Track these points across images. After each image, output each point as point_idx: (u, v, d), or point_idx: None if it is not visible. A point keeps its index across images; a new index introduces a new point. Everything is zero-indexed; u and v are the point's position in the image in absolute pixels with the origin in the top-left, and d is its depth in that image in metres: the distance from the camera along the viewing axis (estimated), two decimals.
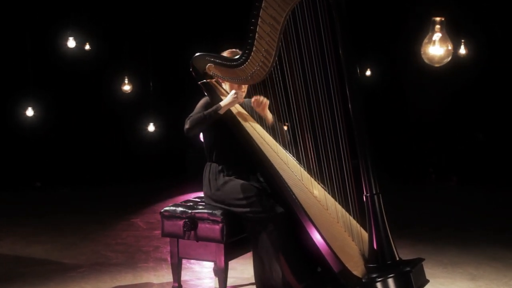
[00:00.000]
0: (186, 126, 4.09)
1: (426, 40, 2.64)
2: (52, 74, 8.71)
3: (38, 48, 8.24)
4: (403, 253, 5.40)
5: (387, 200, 7.72)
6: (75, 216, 7.27)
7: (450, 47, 2.67)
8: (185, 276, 4.97)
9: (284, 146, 4.25)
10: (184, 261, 4.88)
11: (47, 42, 7.99)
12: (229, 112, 4.15)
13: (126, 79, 7.81)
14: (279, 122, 4.28)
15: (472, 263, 5.18)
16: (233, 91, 4.13)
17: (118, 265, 5.27)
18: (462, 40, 7.55)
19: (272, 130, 4.28)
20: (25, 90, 7.56)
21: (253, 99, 4.23)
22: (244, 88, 4.27)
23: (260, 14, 3.84)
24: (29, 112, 7.31)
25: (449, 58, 2.69)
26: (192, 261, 5.16)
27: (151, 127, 8.07)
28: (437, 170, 9.50)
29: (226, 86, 4.34)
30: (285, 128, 4.32)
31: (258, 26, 3.86)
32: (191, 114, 4.14)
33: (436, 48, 2.68)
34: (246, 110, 4.34)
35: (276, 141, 4.23)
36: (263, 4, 3.81)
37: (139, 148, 8.97)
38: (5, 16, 8.46)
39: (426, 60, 2.68)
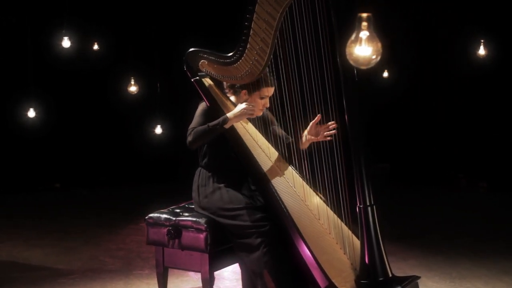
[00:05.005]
0: (189, 138, 3.85)
1: (351, 39, 2.36)
2: (54, 74, 8.63)
3: (39, 48, 8.15)
4: (411, 265, 5.22)
5: (406, 207, 7.51)
6: (84, 219, 7.15)
7: (379, 47, 2.37)
8: (181, 284, 4.81)
9: (291, 162, 4.01)
10: None
11: (49, 42, 7.88)
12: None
13: (133, 80, 7.65)
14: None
15: (482, 277, 4.88)
16: (243, 105, 3.83)
17: (112, 272, 5.13)
18: (482, 40, 7.25)
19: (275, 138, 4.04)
20: (25, 91, 7.46)
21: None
22: (266, 103, 3.95)
23: (256, 9, 3.62)
24: (31, 113, 7.20)
25: (378, 59, 2.39)
26: None
27: (158, 130, 7.90)
28: (468, 175, 9.14)
29: (233, 98, 4.07)
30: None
31: (253, 22, 3.65)
32: (193, 125, 3.88)
33: (363, 48, 2.38)
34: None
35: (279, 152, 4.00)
36: None
37: (146, 151, 8.84)
38: (5, 15, 8.42)
39: (351, 62, 2.40)
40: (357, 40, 2.35)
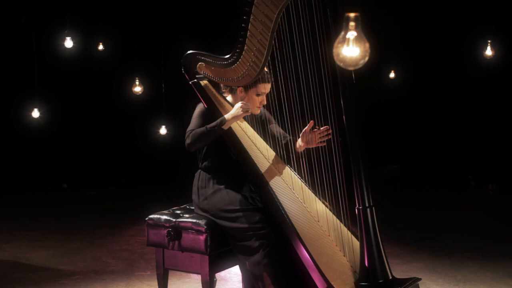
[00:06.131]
0: (188, 141, 3.82)
1: (339, 40, 2.29)
2: (58, 75, 8.65)
3: (43, 48, 8.13)
4: (416, 268, 5.16)
5: (414, 208, 7.44)
6: (88, 219, 7.14)
7: (366, 47, 2.31)
8: (183, 285, 4.79)
9: (289, 163, 3.96)
10: None
11: (53, 43, 7.87)
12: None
13: (137, 80, 7.63)
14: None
15: (487, 281, 4.81)
16: (239, 104, 3.81)
17: (114, 273, 5.11)
18: (489, 41, 7.18)
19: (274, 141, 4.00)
20: (30, 91, 7.45)
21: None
22: (263, 100, 3.92)
23: (252, 11, 3.60)
24: (35, 113, 7.20)
25: (366, 59, 2.33)
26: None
27: (163, 130, 7.86)
28: (478, 177, 9.05)
29: (229, 97, 4.06)
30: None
31: (249, 24, 3.62)
32: (191, 128, 3.86)
33: (351, 49, 2.32)
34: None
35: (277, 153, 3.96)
36: (255, 0, 3.57)
37: (152, 151, 8.84)
38: (9, 16, 8.44)
39: (338, 63, 2.34)
40: (345, 40, 2.30)
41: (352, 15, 2.30)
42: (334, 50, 2.29)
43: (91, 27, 8.17)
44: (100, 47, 7.89)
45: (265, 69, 3.83)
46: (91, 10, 8.27)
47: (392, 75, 8.45)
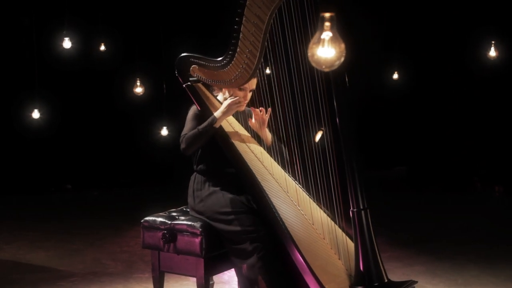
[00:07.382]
0: (182, 145, 3.82)
1: (314, 40, 2.25)
2: (59, 75, 8.65)
3: (43, 48, 8.09)
4: (416, 271, 5.12)
5: (417, 211, 7.37)
6: (90, 220, 7.13)
7: (342, 48, 2.26)
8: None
9: (283, 166, 3.94)
10: None
11: (54, 43, 7.82)
12: None
13: (138, 81, 7.60)
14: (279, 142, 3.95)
15: (488, 284, 4.75)
16: (228, 100, 3.80)
17: (112, 275, 5.09)
18: (493, 42, 7.11)
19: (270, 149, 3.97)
20: (30, 92, 7.44)
21: (254, 115, 3.91)
22: (246, 95, 3.91)
23: (245, 13, 3.57)
24: (35, 114, 7.18)
25: (342, 60, 2.28)
26: None
27: (164, 131, 7.84)
28: (484, 179, 8.98)
29: (220, 95, 4.03)
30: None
31: (242, 26, 3.59)
32: (185, 132, 3.86)
33: (326, 50, 2.27)
34: (238, 117, 4.06)
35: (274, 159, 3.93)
36: (247, 2, 3.54)
37: (153, 152, 8.82)
38: (10, 16, 8.44)
39: (313, 64, 2.30)
40: (320, 41, 2.25)
41: (327, 15, 2.25)
42: (309, 51, 2.25)
43: (91, 27, 8.16)
44: (102, 47, 7.87)
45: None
46: (91, 10, 8.26)
47: (395, 76, 8.39)
